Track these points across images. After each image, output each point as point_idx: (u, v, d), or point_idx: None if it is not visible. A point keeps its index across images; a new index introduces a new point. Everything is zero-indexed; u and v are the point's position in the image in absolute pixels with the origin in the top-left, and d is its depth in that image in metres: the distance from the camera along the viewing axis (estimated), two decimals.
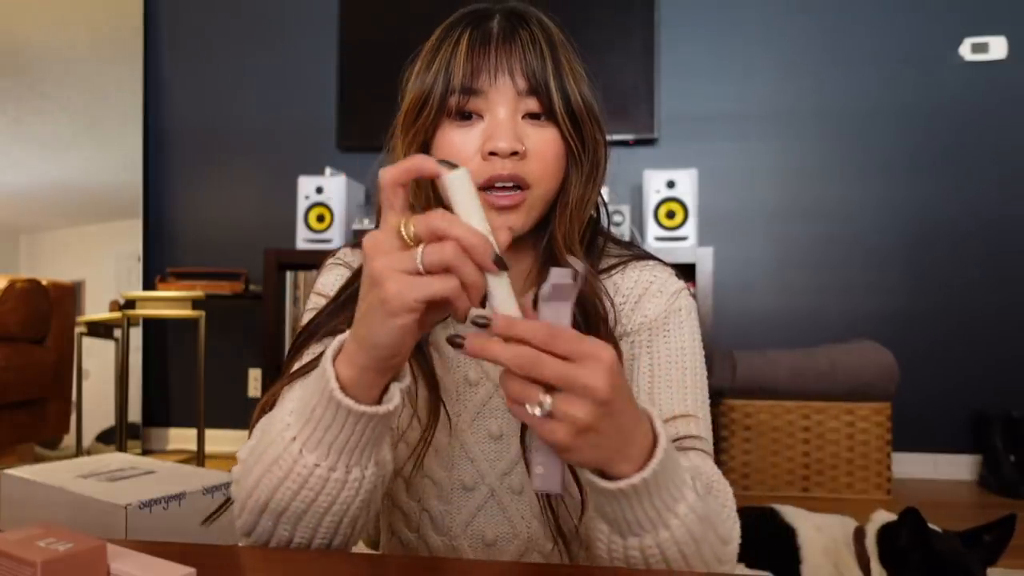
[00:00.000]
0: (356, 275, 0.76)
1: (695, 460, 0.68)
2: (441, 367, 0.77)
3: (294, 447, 0.57)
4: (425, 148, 0.74)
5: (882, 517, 1.42)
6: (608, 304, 0.75)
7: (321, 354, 0.64)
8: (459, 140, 0.70)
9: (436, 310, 0.53)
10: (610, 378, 0.49)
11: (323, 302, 0.76)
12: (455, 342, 0.51)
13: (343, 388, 0.55)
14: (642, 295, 0.76)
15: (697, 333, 0.77)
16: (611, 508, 0.55)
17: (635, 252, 0.81)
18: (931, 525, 1.32)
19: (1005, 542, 1.32)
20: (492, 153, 0.68)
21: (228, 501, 0.72)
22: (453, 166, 0.52)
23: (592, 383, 0.48)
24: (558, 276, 0.50)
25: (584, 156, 0.73)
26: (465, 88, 0.69)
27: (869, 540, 1.38)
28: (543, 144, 0.70)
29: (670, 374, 0.73)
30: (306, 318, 0.78)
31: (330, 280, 0.80)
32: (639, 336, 0.75)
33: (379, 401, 0.56)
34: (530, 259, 0.77)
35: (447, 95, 0.70)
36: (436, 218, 0.50)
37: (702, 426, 0.72)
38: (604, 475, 0.53)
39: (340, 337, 0.57)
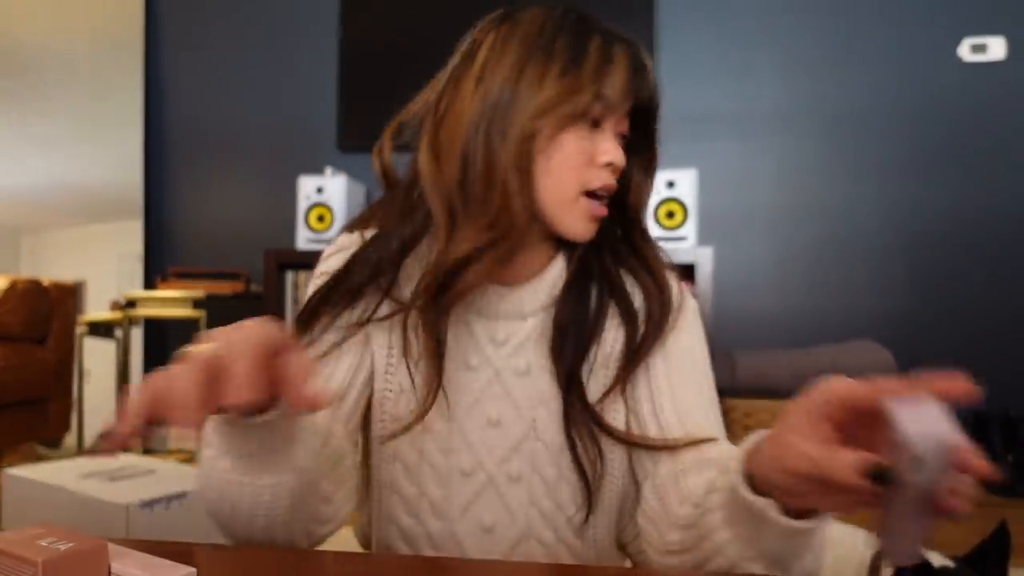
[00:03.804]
0: (353, 258, 0.77)
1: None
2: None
3: (210, 452, 0.60)
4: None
5: None
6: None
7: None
8: (587, 147, 0.72)
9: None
10: None
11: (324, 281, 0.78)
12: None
13: None
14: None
15: (703, 333, 0.80)
16: (791, 544, 0.52)
17: None
18: (944, 559, 1.26)
19: (1006, 556, 1.28)
20: (608, 164, 0.73)
21: None
22: None
23: None
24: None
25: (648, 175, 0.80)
26: (611, 103, 0.72)
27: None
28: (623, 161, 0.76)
29: (685, 371, 0.75)
30: (311, 290, 0.78)
31: (332, 265, 0.80)
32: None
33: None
34: (562, 266, 0.79)
35: (591, 100, 0.70)
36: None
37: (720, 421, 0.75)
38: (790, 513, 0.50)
39: None
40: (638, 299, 0.78)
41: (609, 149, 0.72)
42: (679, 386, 0.74)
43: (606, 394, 0.75)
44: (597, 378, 0.76)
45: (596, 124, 0.73)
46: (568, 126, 0.71)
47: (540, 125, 0.69)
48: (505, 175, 0.68)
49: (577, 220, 0.74)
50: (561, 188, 0.72)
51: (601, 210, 0.74)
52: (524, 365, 0.76)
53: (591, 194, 0.73)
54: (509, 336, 0.77)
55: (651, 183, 0.80)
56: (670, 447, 0.70)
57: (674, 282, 0.79)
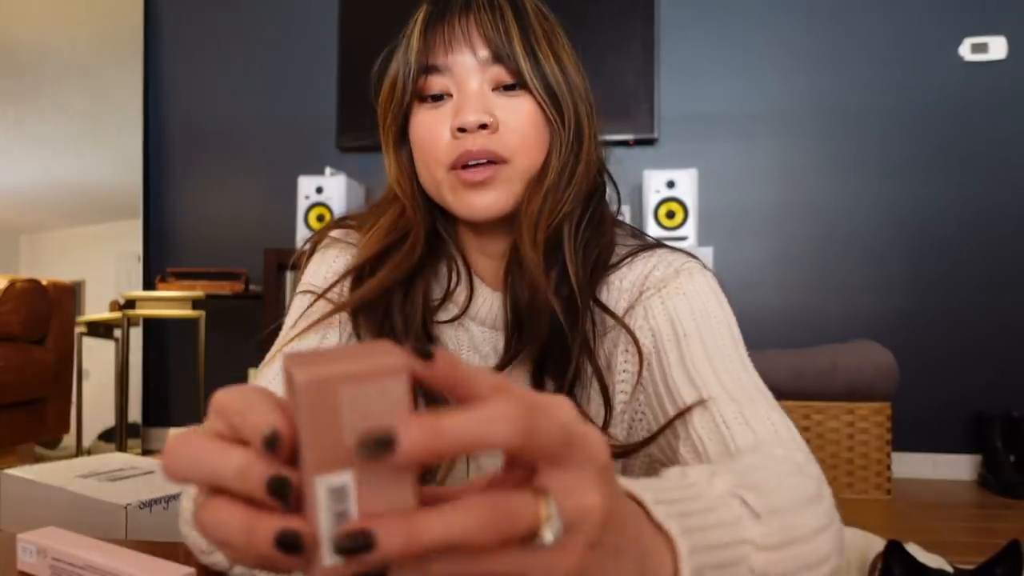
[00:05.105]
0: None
1: (759, 424, 0.56)
2: None
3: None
4: (405, 134, 0.71)
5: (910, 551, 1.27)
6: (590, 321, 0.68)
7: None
8: (429, 123, 0.67)
9: None
10: (572, 417, 0.29)
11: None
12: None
13: None
14: (647, 276, 0.70)
15: (719, 291, 0.70)
16: None
17: (645, 242, 0.74)
18: (944, 563, 1.22)
19: (1017, 572, 1.24)
20: (461, 129, 0.65)
21: None
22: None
23: (589, 503, 0.29)
24: None
25: (563, 125, 0.67)
26: (424, 67, 0.67)
27: None
28: (516, 114, 0.66)
29: (698, 335, 0.65)
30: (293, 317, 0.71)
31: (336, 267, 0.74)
32: (651, 302, 0.68)
33: None
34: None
35: (410, 77, 0.67)
36: (173, 449, 0.30)
37: (752, 378, 0.62)
38: None
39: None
40: (624, 300, 0.71)
41: (458, 111, 0.65)
42: (694, 353, 0.64)
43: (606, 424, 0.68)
44: (587, 393, 0.69)
45: (440, 97, 0.67)
46: (410, 110, 0.69)
47: (380, 125, 0.70)
48: None
49: (452, 194, 0.67)
50: (428, 170, 0.69)
51: (471, 175, 0.65)
52: (529, 378, 0.71)
53: (463, 165, 0.66)
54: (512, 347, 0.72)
55: (556, 141, 0.68)
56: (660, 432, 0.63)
57: (670, 255, 0.71)
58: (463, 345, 0.74)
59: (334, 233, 0.76)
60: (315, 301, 0.70)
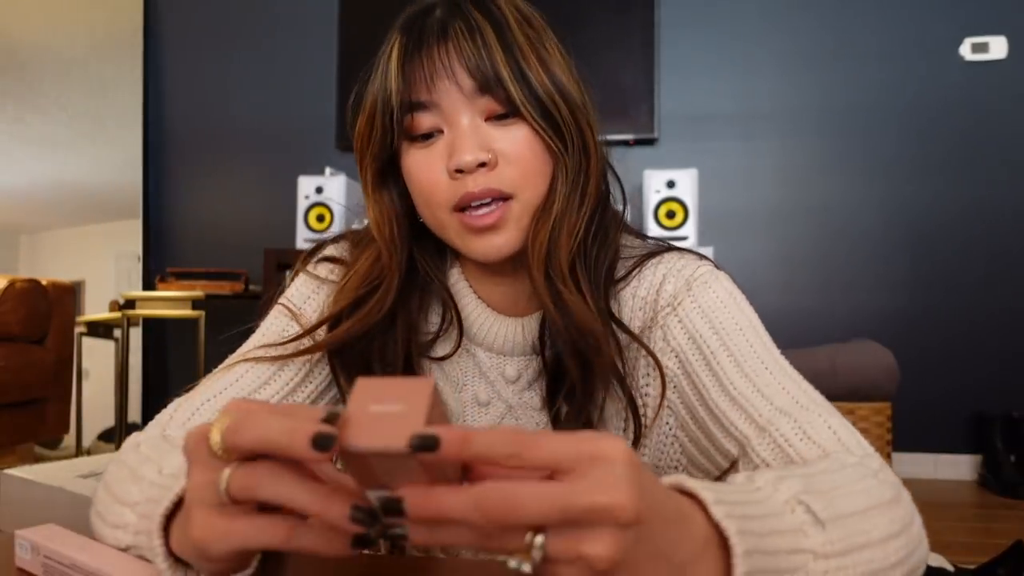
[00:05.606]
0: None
1: (820, 435, 0.54)
2: (446, 386, 0.72)
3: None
4: (387, 173, 0.67)
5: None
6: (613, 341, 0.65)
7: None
8: (423, 164, 0.63)
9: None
10: (630, 483, 0.31)
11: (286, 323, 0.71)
12: (397, 544, 0.36)
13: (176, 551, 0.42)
14: (659, 290, 0.68)
15: (736, 293, 0.68)
16: None
17: (650, 248, 0.71)
18: (945, 562, 1.22)
19: (1020, 572, 1.24)
20: (458, 170, 0.60)
21: None
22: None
23: (606, 500, 0.31)
24: None
25: (566, 149, 0.63)
26: (408, 104, 0.62)
27: None
28: (513, 145, 0.62)
29: (726, 351, 0.62)
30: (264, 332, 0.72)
31: (303, 293, 0.75)
32: (668, 322, 0.66)
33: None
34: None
35: (394, 118, 0.62)
36: (240, 418, 0.36)
37: (794, 381, 0.60)
38: None
39: (175, 498, 0.42)
40: (637, 319, 0.68)
41: (452, 152, 0.61)
42: (727, 370, 0.61)
43: (635, 443, 0.66)
44: (612, 419, 0.68)
45: (430, 134, 0.63)
46: (396, 147, 0.65)
47: (359, 160, 0.68)
48: None
49: (459, 239, 0.64)
50: (429, 211, 0.65)
51: (478, 220, 0.61)
52: (540, 400, 0.70)
53: (465, 206, 0.62)
54: (521, 372, 0.71)
55: (559, 167, 0.64)
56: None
57: (679, 262, 0.69)
58: (468, 372, 0.72)
59: (321, 271, 0.75)
60: (290, 341, 0.69)
